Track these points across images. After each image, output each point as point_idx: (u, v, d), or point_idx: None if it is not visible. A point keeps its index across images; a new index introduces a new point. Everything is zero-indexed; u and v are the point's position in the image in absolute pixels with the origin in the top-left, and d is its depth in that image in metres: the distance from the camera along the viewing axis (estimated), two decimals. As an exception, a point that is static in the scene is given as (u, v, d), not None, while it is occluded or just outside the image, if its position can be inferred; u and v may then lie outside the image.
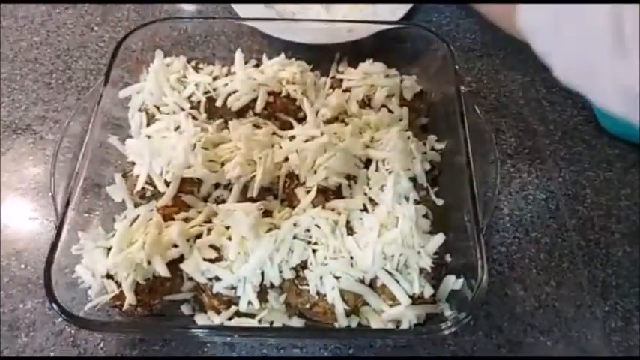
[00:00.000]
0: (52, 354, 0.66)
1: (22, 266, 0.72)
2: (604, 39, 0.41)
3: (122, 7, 1.01)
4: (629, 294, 0.70)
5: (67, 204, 0.65)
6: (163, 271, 0.62)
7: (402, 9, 0.95)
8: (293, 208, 0.68)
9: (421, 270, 0.62)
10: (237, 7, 0.94)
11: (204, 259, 0.63)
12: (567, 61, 0.46)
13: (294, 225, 0.65)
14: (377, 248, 0.61)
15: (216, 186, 0.71)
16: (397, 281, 0.62)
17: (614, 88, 0.43)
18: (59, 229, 0.63)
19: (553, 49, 0.46)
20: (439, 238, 0.63)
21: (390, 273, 0.62)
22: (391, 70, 0.81)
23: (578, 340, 0.67)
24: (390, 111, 0.77)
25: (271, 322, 0.63)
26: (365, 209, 0.67)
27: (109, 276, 0.62)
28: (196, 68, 0.81)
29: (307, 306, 0.62)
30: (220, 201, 0.70)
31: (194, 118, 0.75)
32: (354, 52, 0.84)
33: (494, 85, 0.90)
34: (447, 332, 0.56)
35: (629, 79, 0.41)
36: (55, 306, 0.57)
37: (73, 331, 0.67)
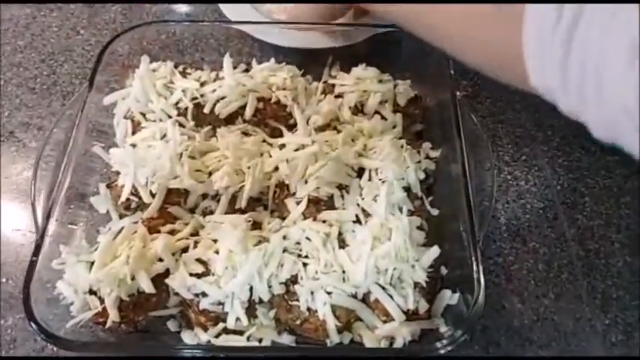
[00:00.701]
0: (33, 372, 0.64)
1: (4, 280, 0.70)
2: (630, 110, 0.38)
3: (109, 10, 0.99)
4: (630, 307, 0.68)
5: (49, 215, 0.62)
6: (148, 287, 0.59)
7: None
8: (283, 218, 0.66)
9: (415, 284, 0.60)
10: (226, 9, 0.91)
11: (191, 274, 0.60)
12: (596, 123, 0.43)
13: (284, 238, 0.62)
14: (370, 262, 0.59)
15: (204, 196, 0.68)
16: (391, 296, 0.59)
17: None
18: (39, 243, 0.60)
19: (579, 113, 0.44)
20: (434, 252, 0.61)
21: (383, 288, 0.60)
22: (384, 74, 0.79)
23: (578, 355, 0.65)
24: (383, 117, 0.75)
25: (260, 339, 0.61)
26: (358, 220, 0.65)
27: (91, 292, 0.60)
28: (184, 73, 0.78)
29: (298, 322, 0.60)
30: (208, 212, 0.68)
31: (181, 125, 0.72)
32: (347, 56, 0.82)
33: (490, 90, 0.87)
34: (442, 352, 0.54)
35: None
36: (33, 325, 0.55)
37: (55, 349, 0.64)
